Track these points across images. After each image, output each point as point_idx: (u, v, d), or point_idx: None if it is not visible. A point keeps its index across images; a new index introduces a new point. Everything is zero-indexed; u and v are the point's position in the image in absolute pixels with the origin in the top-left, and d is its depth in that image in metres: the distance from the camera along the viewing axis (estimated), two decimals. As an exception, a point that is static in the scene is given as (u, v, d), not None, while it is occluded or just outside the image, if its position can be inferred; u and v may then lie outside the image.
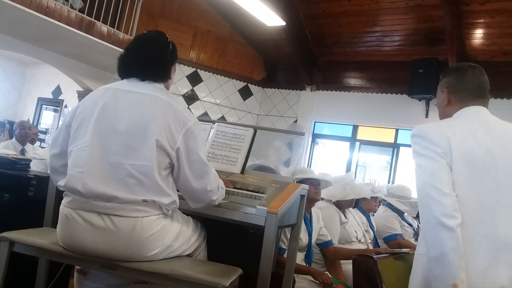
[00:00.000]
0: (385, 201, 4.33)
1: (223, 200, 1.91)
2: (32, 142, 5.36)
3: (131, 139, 1.60)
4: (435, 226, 1.43)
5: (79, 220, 1.60)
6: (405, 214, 4.34)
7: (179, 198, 1.75)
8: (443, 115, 1.73)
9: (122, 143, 1.60)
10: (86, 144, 1.63)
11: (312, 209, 3.06)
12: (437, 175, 1.47)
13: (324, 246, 3.14)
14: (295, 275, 2.60)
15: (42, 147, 7.39)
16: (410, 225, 4.33)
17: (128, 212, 1.58)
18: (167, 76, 1.84)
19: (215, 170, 1.78)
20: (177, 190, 1.74)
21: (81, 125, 1.67)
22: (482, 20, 6.06)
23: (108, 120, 1.64)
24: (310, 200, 2.95)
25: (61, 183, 1.68)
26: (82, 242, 1.61)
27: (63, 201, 1.69)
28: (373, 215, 4.25)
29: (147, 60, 1.77)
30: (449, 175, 1.47)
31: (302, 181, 2.80)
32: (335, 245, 3.21)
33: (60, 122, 8.28)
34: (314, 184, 2.96)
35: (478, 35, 6.31)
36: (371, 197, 4.01)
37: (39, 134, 7.07)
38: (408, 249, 3.12)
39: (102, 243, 1.59)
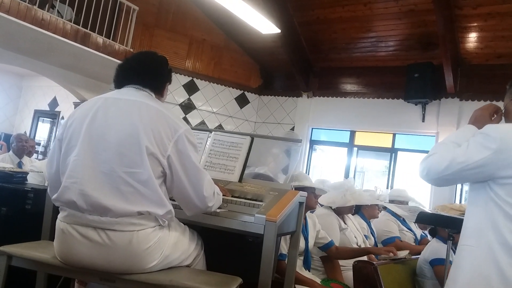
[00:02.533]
0: (386, 207, 4.34)
1: (221, 209, 1.90)
2: (29, 154, 5.33)
3: (122, 146, 1.59)
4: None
5: (75, 234, 1.59)
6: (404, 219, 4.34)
7: (174, 208, 1.74)
8: None
9: (113, 151, 1.59)
10: (77, 155, 1.61)
11: (307, 214, 3.06)
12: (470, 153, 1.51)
13: (326, 248, 3.14)
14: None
15: (39, 160, 7.36)
16: (411, 229, 4.32)
17: (124, 226, 1.57)
18: (162, 89, 1.86)
19: (213, 178, 1.78)
20: (172, 199, 1.73)
21: (72, 137, 1.66)
22: (475, 24, 6.11)
23: (98, 128, 1.63)
24: (308, 207, 2.95)
25: (54, 196, 1.66)
26: (79, 256, 1.60)
27: (59, 216, 1.67)
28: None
29: (147, 69, 1.80)
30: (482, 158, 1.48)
31: (301, 188, 2.79)
32: (336, 246, 3.21)
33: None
34: (314, 193, 2.97)
35: (471, 38, 6.36)
36: (373, 204, 4.01)
37: (36, 146, 7.04)
38: (406, 253, 3.13)
39: (99, 258, 1.58)
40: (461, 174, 1.52)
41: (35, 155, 7.07)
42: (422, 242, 4.33)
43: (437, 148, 1.63)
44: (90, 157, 1.60)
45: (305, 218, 3.01)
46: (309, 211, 3.11)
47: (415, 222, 4.34)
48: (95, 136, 1.62)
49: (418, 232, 4.44)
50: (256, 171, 3.12)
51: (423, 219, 2.91)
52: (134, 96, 1.71)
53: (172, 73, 1.96)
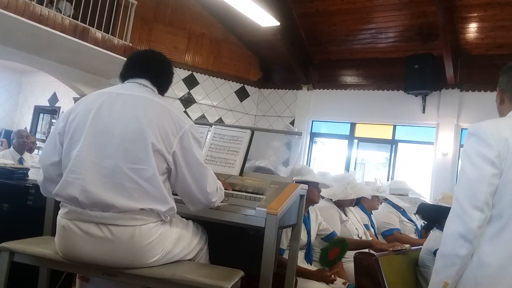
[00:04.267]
0: (386, 198, 4.34)
1: (222, 202, 1.90)
2: (30, 151, 5.34)
3: (128, 142, 1.58)
4: (457, 233, 1.46)
5: (76, 230, 1.59)
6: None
7: (178, 202, 1.75)
8: (500, 114, 1.69)
9: (118, 146, 1.58)
10: (80, 150, 1.61)
11: (309, 207, 3.06)
12: (475, 186, 1.45)
13: (329, 239, 3.14)
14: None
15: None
16: (411, 220, 4.33)
17: (126, 221, 1.57)
18: (164, 88, 1.88)
19: (214, 172, 1.78)
20: (175, 194, 1.73)
21: (75, 132, 1.65)
22: (475, 14, 6.08)
23: (103, 123, 1.62)
24: (311, 201, 2.95)
25: (55, 191, 1.65)
26: (81, 252, 1.60)
27: (60, 212, 1.67)
28: (372, 213, 4.25)
29: (152, 65, 1.82)
30: (489, 187, 1.44)
31: (304, 182, 2.79)
32: (338, 236, 3.22)
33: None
34: (317, 187, 2.97)
35: (471, 29, 6.33)
36: (373, 196, 4.01)
37: (37, 142, 7.04)
38: (408, 245, 3.14)
39: (101, 253, 1.58)
40: (484, 201, 1.43)
41: (36, 151, 7.07)
42: (423, 232, 4.34)
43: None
44: (93, 152, 1.59)
45: (308, 212, 3.02)
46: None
47: (415, 214, 4.35)
48: (100, 130, 1.62)
49: (419, 222, 4.45)
50: (257, 164, 3.12)
51: (424, 210, 2.92)
52: (138, 92, 1.71)
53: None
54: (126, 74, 1.81)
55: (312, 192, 2.91)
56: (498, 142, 1.46)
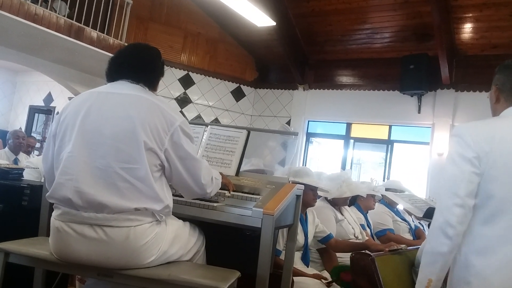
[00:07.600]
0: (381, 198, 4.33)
1: (219, 203, 1.91)
2: (28, 153, 5.32)
3: (119, 141, 1.58)
4: (438, 229, 1.49)
5: (70, 232, 1.58)
6: (399, 209, 4.34)
7: (174, 201, 1.75)
8: (493, 112, 1.68)
9: (109, 146, 1.57)
10: (71, 150, 1.60)
11: (307, 209, 3.06)
12: (455, 183, 1.48)
13: (325, 240, 3.14)
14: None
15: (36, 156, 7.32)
16: (405, 220, 4.33)
17: (120, 222, 1.56)
18: (156, 84, 1.86)
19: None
20: (171, 187, 1.75)
21: (66, 132, 1.65)
22: (470, 14, 6.10)
23: (93, 123, 1.62)
24: (307, 204, 2.94)
25: (48, 193, 1.65)
26: (76, 253, 1.59)
27: (53, 214, 1.66)
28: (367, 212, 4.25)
29: (139, 63, 1.79)
30: (468, 184, 1.46)
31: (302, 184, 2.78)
32: (335, 239, 3.22)
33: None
34: (314, 190, 2.95)
35: (467, 29, 6.36)
36: (369, 195, 4.01)
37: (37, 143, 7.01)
38: (404, 245, 3.15)
39: (97, 254, 1.57)
40: (464, 197, 1.45)
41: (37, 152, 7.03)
42: (417, 232, 4.35)
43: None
44: (85, 152, 1.59)
45: (305, 213, 3.01)
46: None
47: (422, 217, 4.33)
48: (90, 130, 1.61)
49: (414, 223, 4.45)
50: (247, 166, 3.09)
51: (432, 214, 2.90)
52: (128, 90, 1.70)
53: (168, 67, 1.95)
54: (115, 74, 1.78)
55: (308, 195, 2.88)
56: (476, 142, 1.47)
